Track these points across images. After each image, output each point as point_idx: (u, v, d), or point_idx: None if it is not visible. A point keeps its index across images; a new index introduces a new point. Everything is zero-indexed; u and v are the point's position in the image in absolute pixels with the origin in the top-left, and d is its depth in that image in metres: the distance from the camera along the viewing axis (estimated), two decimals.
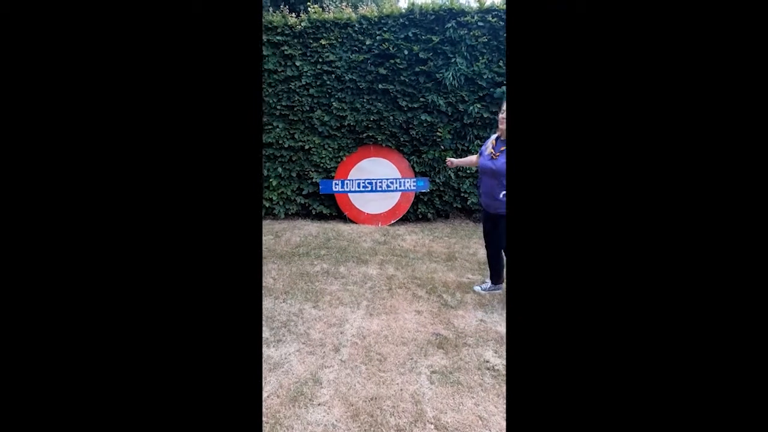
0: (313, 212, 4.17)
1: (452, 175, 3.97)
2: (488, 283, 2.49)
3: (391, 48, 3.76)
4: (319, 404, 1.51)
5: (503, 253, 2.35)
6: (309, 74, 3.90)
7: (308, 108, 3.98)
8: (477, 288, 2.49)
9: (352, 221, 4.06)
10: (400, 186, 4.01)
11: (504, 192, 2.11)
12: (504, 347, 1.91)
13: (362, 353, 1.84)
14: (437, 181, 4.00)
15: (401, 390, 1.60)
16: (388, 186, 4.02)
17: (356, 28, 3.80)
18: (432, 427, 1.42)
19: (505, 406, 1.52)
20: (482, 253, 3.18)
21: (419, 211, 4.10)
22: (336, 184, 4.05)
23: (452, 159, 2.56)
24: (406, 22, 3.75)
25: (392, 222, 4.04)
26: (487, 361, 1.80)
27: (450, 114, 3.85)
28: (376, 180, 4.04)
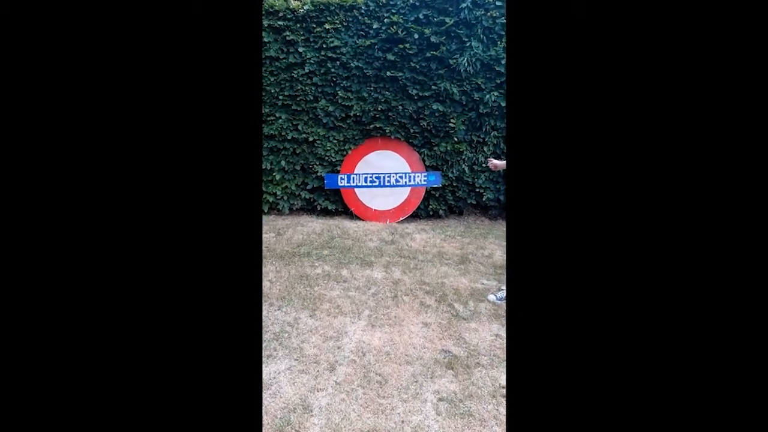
0: (318, 208, 3.97)
1: (466, 169, 3.69)
2: (504, 292, 2.24)
3: (400, 32, 3.48)
4: None
5: None
6: (312, 61, 3.66)
7: (312, 98, 3.75)
8: (492, 297, 2.24)
9: (358, 218, 3.84)
10: (409, 180, 3.76)
11: None
12: None
13: (360, 374, 1.63)
14: (450, 175, 3.73)
15: (402, 422, 1.39)
16: (397, 180, 3.78)
17: (362, 11, 3.53)
18: None
19: None
20: (499, 254, 2.92)
21: (430, 208, 3.85)
22: (342, 178, 3.83)
23: (495, 161, 2.23)
24: (417, 3, 3.46)
25: (401, 219, 3.81)
26: (503, 387, 1.57)
27: (464, 103, 3.56)
28: (385, 174, 3.80)
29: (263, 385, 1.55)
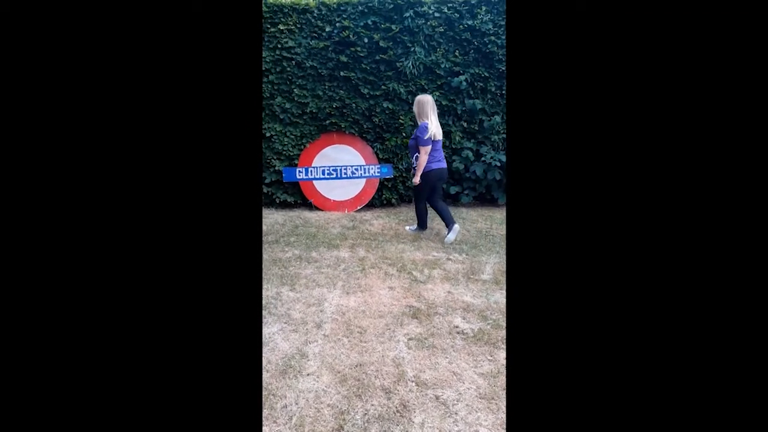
0: (277, 201, 4.14)
1: (414, 161, 4.13)
2: (413, 226, 3.49)
3: (351, 36, 3.79)
4: (308, 374, 1.61)
5: (425, 206, 3.31)
6: (268, 60, 3.83)
7: (268, 95, 3.91)
8: (407, 228, 3.47)
9: (318, 208, 4.10)
10: (364, 173, 4.11)
11: (412, 159, 3.24)
12: (471, 314, 2.12)
13: (343, 327, 1.95)
14: (400, 167, 4.15)
15: (383, 356, 1.75)
16: (353, 173, 4.10)
17: (315, 14, 3.79)
18: (413, 384, 1.58)
19: (475, 363, 1.73)
20: (444, 232, 3.40)
21: (384, 197, 4.23)
22: (300, 171, 4.05)
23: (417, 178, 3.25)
24: (365, 10, 3.80)
25: (358, 208, 4.15)
26: (457, 327, 2.00)
27: (411, 102, 3.99)
28: (341, 167, 4.10)
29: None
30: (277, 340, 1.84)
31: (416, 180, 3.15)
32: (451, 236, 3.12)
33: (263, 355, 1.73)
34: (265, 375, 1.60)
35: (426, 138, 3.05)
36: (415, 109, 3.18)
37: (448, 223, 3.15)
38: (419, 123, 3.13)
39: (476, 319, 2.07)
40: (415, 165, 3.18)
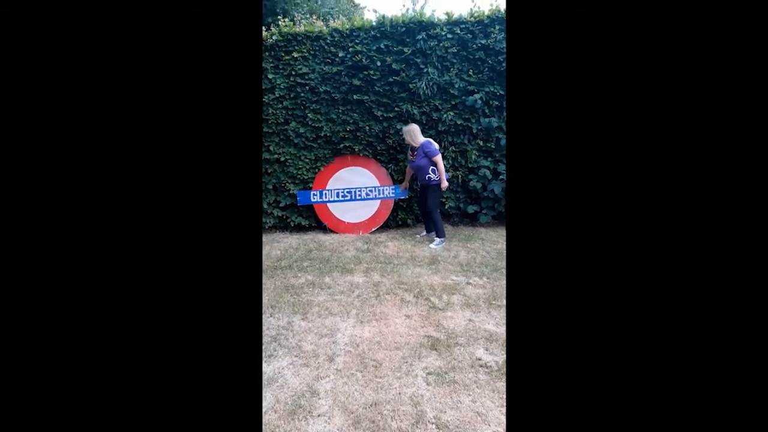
0: (292, 224, 4.12)
1: (426, 179, 4.05)
2: (437, 240, 3.53)
3: (363, 60, 3.83)
4: (318, 415, 1.49)
5: (436, 214, 3.57)
6: (282, 87, 3.89)
7: (283, 120, 3.95)
8: (432, 246, 3.45)
9: (332, 231, 4.04)
10: (379, 194, 4.05)
11: (428, 174, 3.49)
12: (494, 344, 1.96)
13: (357, 361, 1.83)
14: (415, 187, 4.07)
15: (399, 393, 1.61)
16: (367, 194, 4.05)
17: (328, 41, 3.85)
18: (433, 426, 1.44)
19: (501, 401, 1.57)
20: (463, 254, 3.26)
21: (399, 218, 4.14)
22: (314, 194, 4.03)
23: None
24: (378, 35, 3.84)
25: (373, 230, 4.06)
26: (480, 359, 1.85)
27: (425, 122, 3.95)
28: (355, 189, 4.05)
29: (269, 381, 1.70)
30: (286, 375, 1.73)
31: (445, 184, 3.49)
32: (436, 246, 3.52)
33: (272, 393, 1.62)
34: (273, 416, 1.49)
35: (436, 148, 3.44)
36: (408, 138, 3.53)
37: (440, 234, 3.60)
38: (419, 145, 3.48)
39: (500, 350, 1.91)
40: (435, 179, 3.49)
